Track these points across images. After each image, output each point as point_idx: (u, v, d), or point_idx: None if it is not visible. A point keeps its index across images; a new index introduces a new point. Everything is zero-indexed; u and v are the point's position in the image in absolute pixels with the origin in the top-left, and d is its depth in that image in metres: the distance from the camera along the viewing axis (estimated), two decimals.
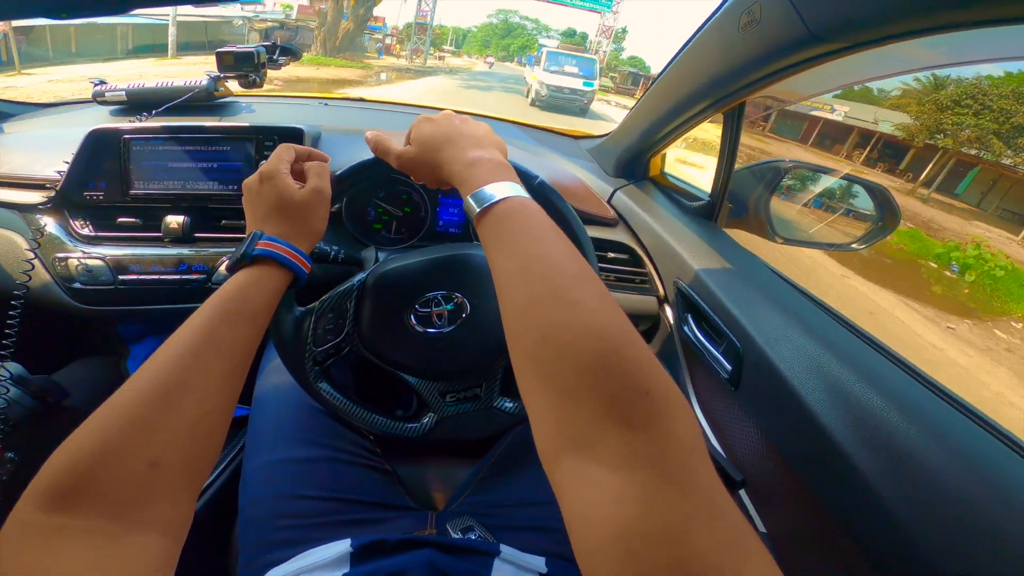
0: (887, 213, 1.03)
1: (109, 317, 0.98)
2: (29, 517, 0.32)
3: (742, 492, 0.76)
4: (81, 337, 1.19)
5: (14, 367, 0.91)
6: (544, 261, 0.39)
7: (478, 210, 0.45)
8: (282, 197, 0.55)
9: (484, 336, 0.67)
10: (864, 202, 1.07)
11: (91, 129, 0.89)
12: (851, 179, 1.18)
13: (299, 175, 0.59)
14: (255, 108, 1.23)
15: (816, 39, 0.62)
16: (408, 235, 1.02)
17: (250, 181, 0.57)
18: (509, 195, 0.45)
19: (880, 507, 0.49)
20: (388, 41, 40.10)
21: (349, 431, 0.73)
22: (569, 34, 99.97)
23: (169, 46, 15.55)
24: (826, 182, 1.15)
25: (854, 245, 1.10)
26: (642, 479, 0.28)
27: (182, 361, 0.42)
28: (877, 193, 1.04)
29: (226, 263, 0.52)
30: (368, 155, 0.62)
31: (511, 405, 0.72)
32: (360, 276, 0.66)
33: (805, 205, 1.13)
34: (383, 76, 20.26)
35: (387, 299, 0.65)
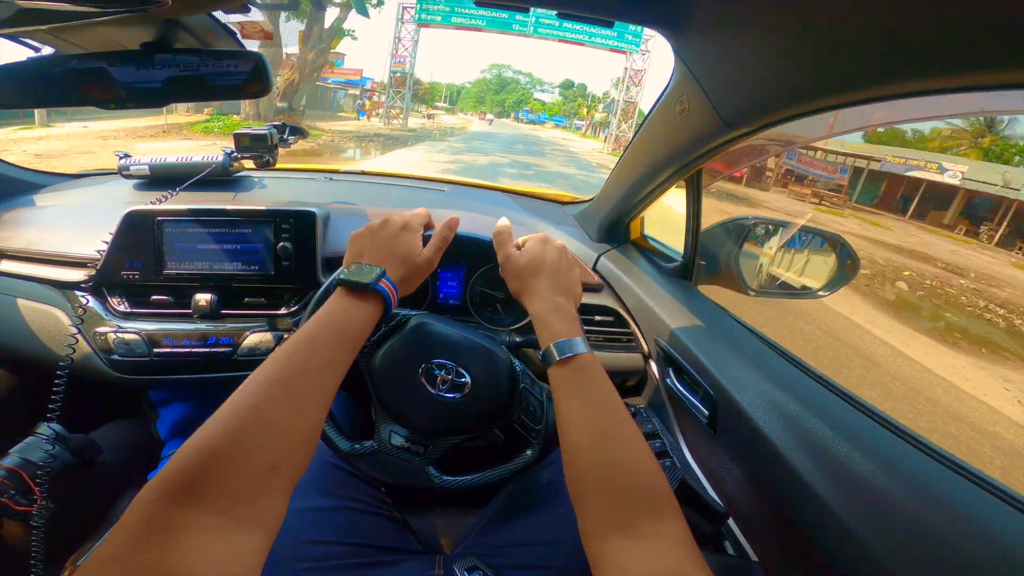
0: (847, 261, 1.13)
1: (142, 385, 1.08)
2: (153, 508, 0.35)
3: (732, 523, 0.83)
4: (114, 401, 1.29)
5: (56, 427, 1.00)
6: (612, 410, 0.57)
7: (558, 357, 0.60)
8: (411, 251, 0.67)
9: (464, 416, 0.75)
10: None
11: (128, 211, 1.00)
12: (810, 230, 1.29)
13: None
14: (266, 183, 1.36)
15: (728, 127, 0.75)
16: (411, 304, 1.11)
17: (392, 221, 0.68)
18: (583, 351, 0.60)
19: (843, 530, 0.56)
20: (374, 99, 34.09)
21: (361, 483, 0.81)
22: (567, 86, 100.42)
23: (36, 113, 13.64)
24: (787, 234, 1.25)
25: (820, 292, 1.20)
26: (664, 546, 0.46)
27: (306, 373, 0.47)
28: (836, 243, 1.15)
29: (341, 274, 0.61)
30: None
31: (440, 475, 0.77)
32: (405, 312, 0.76)
33: (772, 258, 1.23)
34: (350, 152, 15.52)
35: (416, 344, 0.73)
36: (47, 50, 0.76)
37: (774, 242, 1.19)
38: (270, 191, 1.32)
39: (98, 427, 1.18)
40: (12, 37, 0.73)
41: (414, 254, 0.67)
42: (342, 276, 0.60)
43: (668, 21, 0.67)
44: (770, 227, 1.23)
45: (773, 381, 0.78)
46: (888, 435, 0.63)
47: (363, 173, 1.57)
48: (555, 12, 0.71)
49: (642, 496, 0.50)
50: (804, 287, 1.24)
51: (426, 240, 0.71)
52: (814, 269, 1.20)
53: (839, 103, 0.58)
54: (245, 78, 0.74)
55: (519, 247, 0.74)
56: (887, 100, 0.52)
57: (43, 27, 0.67)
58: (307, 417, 0.45)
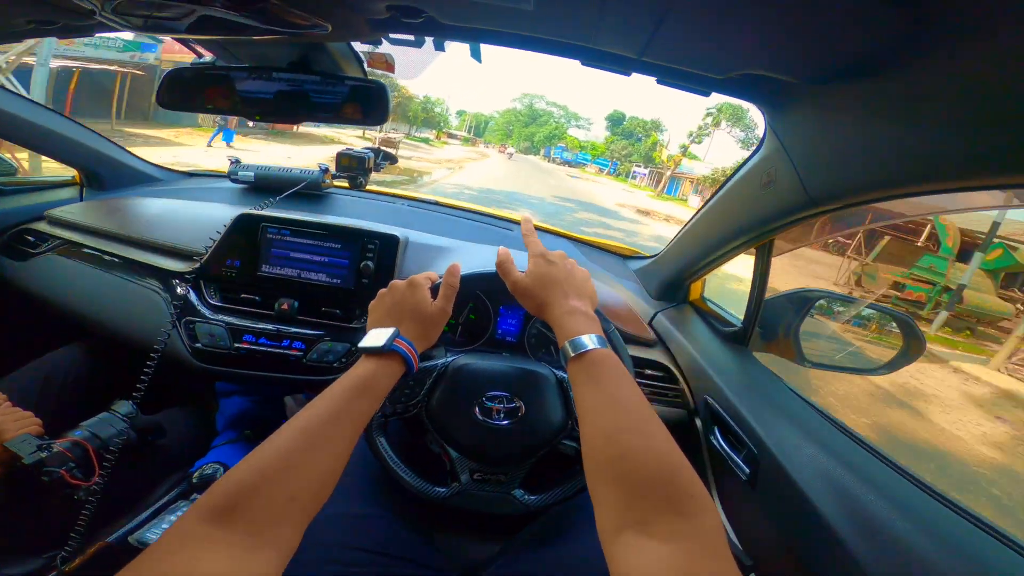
0: (912, 341, 1.12)
1: (215, 375, 1.15)
2: (192, 527, 0.43)
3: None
4: (183, 387, 1.36)
5: (128, 405, 1.06)
6: (625, 400, 0.56)
7: (573, 354, 0.61)
8: (420, 306, 0.72)
9: (529, 436, 0.79)
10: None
11: (240, 213, 1.10)
12: (878, 308, 1.28)
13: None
14: (349, 202, 1.46)
15: (813, 202, 0.78)
16: (470, 340, 1.15)
17: (397, 284, 0.74)
18: (596, 347, 0.61)
19: None
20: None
21: (398, 494, 0.84)
22: (616, 120, 76.67)
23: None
24: (853, 310, 1.25)
25: (879, 370, 1.18)
26: (685, 548, 0.42)
27: (326, 421, 0.55)
28: (904, 323, 1.14)
29: (361, 343, 0.67)
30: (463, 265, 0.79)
31: (525, 496, 0.81)
32: (445, 359, 0.81)
33: (833, 331, 1.23)
34: None
35: (464, 385, 0.79)
36: (208, 57, 0.87)
37: (838, 316, 1.19)
38: (353, 209, 1.42)
39: (160, 411, 1.24)
40: (184, 41, 0.84)
41: (424, 307, 0.72)
42: (360, 345, 0.67)
43: (770, 99, 0.72)
44: (836, 302, 1.23)
45: (821, 447, 0.78)
46: (941, 508, 0.62)
47: (438, 203, 1.65)
48: (655, 79, 0.78)
49: (659, 490, 0.46)
50: (863, 363, 1.23)
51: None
52: (876, 346, 1.19)
53: (938, 188, 0.59)
54: (373, 104, 0.82)
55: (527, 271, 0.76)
56: (986, 189, 0.55)
57: (215, 36, 0.77)
58: (324, 458, 0.52)
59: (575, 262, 0.76)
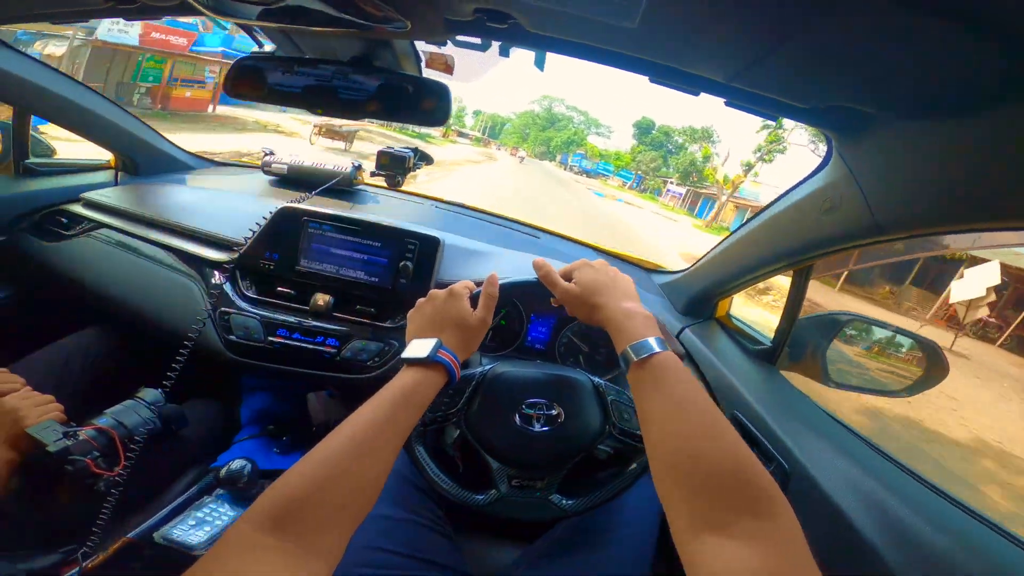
0: (935, 366, 1.14)
1: (244, 367, 1.13)
2: (246, 532, 0.43)
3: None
4: (209, 378, 1.34)
5: (155, 393, 1.03)
6: (695, 404, 0.55)
7: (636, 359, 0.60)
8: (461, 316, 0.72)
9: (567, 442, 0.79)
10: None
11: (282, 206, 1.09)
12: (904, 333, 1.30)
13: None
14: (380, 200, 1.46)
15: (880, 230, 0.78)
16: (500, 346, 1.15)
17: (437, 293, 0.74)
18: (663, 349, 0.60)
19: None
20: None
21: (427, 498, 0.84)
22: (645, 128, 64.24)
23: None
24: (881, 334, 1.27)
25: (901, 392, 1.20)
26: (764, 549, 0.42)
27: (374, 430, 0.55)
28: (929, 348, 1.16)
29: (405, 354, 0.68)
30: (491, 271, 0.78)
31: (562, 500, 0.80)
32: (484, 368, 0.81)
33: (859, 354, 1.25)
34: None
35: (503, 393, 0.79)
36: (269, 47, 0.86)
37: (865, 340, 1.21)
38: (383, 208, 1.42)
39: (186, 401, 1.22)
40: (248, 28, 0.83)
41: (465, 317, 0.72)
42: (403, 356, 0.68)
43: (844, 127, 0.72)
44: (865, 326, 1.25)
45: (853, 462, 0.79)
46: (976, 524, 0.63)
47: (463, 206, 1.66)
48: (724, 101, 0.78)
49: (736, 491, 0.46)
50: (886, 386, 1.24)
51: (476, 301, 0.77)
52: (899, 370, 1.21)
53: (1005, 227, 0.60)
54: (436, 104, 0.82)
55: (567, 278, 0.77)
56: None
57: (279, 25, 0.76)
58: (371, 466, 0.53)
59: (617, 269, 0.77)
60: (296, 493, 0.47)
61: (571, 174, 62.18)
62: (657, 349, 0.60)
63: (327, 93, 0.81)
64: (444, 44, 0.88)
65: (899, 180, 0.70)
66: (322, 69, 0.81)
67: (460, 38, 0.83)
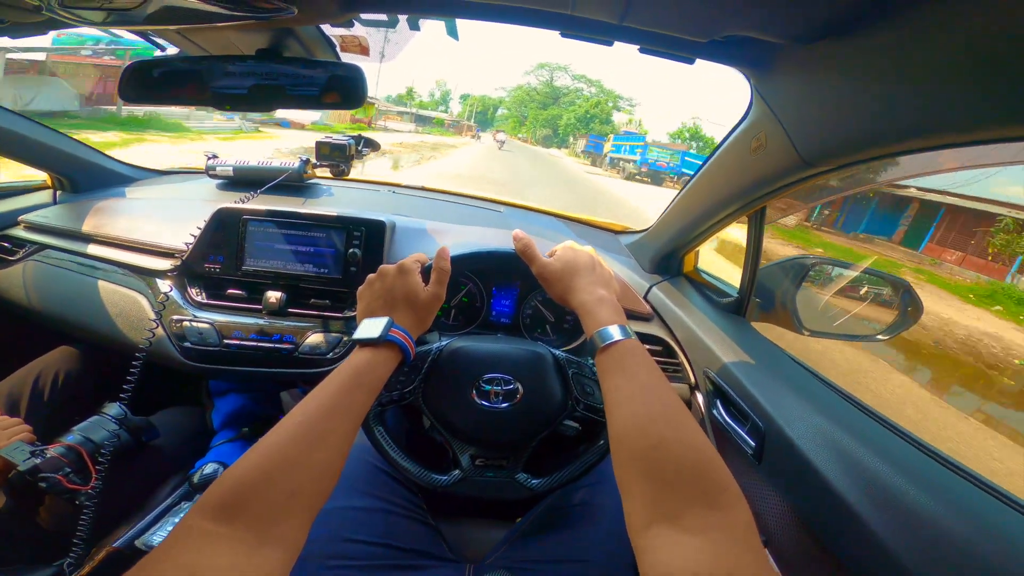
0: (910, 306, 1.11)
1: (207, 373, 1.13)
2: (196, 522, 0.43)
3: (767, 553, 0.81)
4: (174, 387, 1.35)
5: (117, 407, 1.03)
6: (657, 390, 0.56)
7: (602, 344, 0.61)
8: (413, 291, 0.70)
9: (528, 418, 0.78)
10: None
11: (219, 208, 1.07)
12: (874, 273, 1.27)
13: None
14: (334, 191, 1.43)
15: (808, 165, 0.76)
16: (464, 323, 1.14)
17: (387, 269, 0.72)
18: (628, 336, 0.62)
19: (892, 562, 0.55)
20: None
21: (400, 486, 0.83)
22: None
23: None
24: (848, 276, 1.24)
25: (879, 336, 1.17)
26: (717, 541, 0.42)
27: (322, 416, 0.54)
28: (900, 287, 1.13)
29: (353, 336, 0.66)
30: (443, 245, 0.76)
31: (528, 479, 0.80)
32: (440, 343, 0.79)
33: (830, 299, 1.22)
34: None
35: (460, 369, 0.77)
36: (172, 50, 0.83)
37: (834, 283, 1.18)
38: (337, 199, 1.39)
39: (156, 412, 1.22)
40: (143, 34, 0.81)
41: (417, 293, 0.71)
42: (355, 336, 0.66)
43: (754, 63, 0.69)
44: (830, 268, 1.22)
45: (826, 415, 0.77)
46: (945, 472, 0.62)
47: (423, 188, 1.63)
48: (637, 48, 0.75)
49: (691, 482, 0.46)
50: (862, 330, 1.22)
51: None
52: (874, 312, 1.19)
53: (930, 145, 0.57)
54: (349, 88, 0.79)
55: (550, 256, 0.77)
56: (983, 144, 0.52)
57: (174, 27, 0.73)
58: (323, 452, 0.52)
59: (603, 260, 0.77)
60: (245, 480, 0.46)
61: (602, 174, 31.92)
62: (621, 336, 0.61)
63: (231, 90, 0.77)
64: (351, 25, 0.84)
65: (815, 110, 0.67)
66: (223, 66, 0.78)
67: (365, 16, 0.79)
